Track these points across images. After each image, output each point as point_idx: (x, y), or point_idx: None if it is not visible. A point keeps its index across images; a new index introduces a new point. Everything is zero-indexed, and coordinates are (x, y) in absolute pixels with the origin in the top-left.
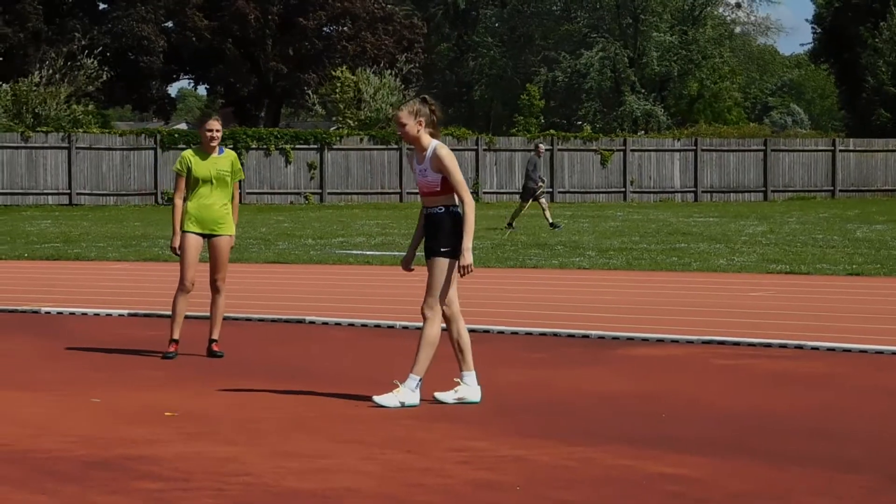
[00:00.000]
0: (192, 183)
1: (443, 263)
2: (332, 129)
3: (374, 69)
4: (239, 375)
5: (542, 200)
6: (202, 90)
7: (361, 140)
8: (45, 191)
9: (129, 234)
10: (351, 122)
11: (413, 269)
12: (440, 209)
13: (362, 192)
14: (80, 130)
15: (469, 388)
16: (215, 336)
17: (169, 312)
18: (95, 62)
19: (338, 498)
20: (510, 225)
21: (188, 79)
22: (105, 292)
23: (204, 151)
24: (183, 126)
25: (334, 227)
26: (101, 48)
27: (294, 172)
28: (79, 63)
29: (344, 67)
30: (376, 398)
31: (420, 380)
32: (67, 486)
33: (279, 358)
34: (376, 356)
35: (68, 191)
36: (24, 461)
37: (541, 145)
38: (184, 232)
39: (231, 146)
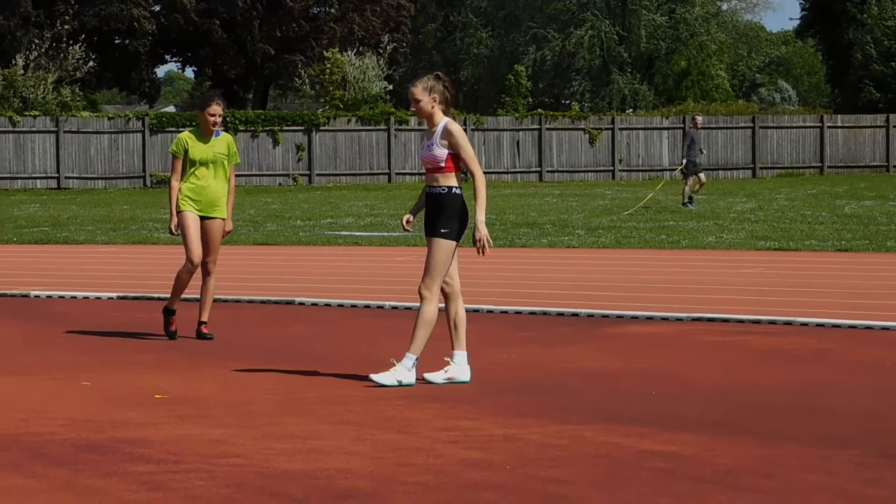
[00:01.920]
0: (189, 165)
1: (442, 244)
2: (319, 110)
3: (357, 50)
4: (229, 357)
5: (701, 175)
6: (190, 73)
7: (349, 121)
8: (34, 175)
9: (117, 218)
10: (339, 103)
11: (411, 223)
12: (442, 189)
13: (350, 174)
14: (69, 114)
15: (459, 368)
16: (205, 318)
17: (162, 295)
18: (81, 49)
19: (329, 478)
20: (688, 203)
21: (176, 61)
22: (94, 275)
23: (202, 134)
24: (171, 109)
25: (323, 209)
26: (84, 34)
27: (282, 154)
28: (64, 48)
29: (336, 49)
30: (374, 377)
31: (417, 359)
32: (58, 469)
33: (269, 340)
34: (367, 336)
35: (56, 174)
36: (14, 445)
37: (698, 118)
38: (181, 211)
39: (220, 128)
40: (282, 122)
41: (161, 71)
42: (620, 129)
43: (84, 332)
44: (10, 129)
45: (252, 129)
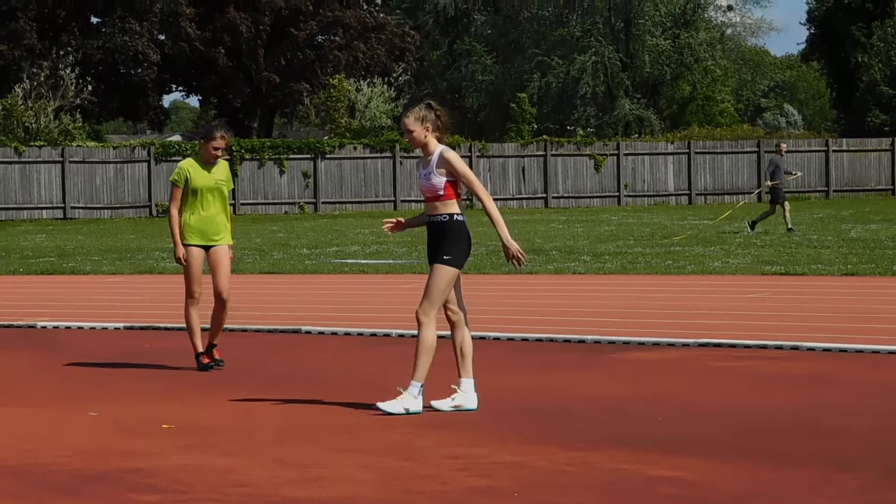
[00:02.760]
0: (190, 194)
1: (444, 271)
2: (325, 138)
3: (366, 79)
4: (236, 386)
5: (786, 204)
6: (195, 101)
7: (355, 148)
8: (40, 205)
9: (123, 247)
10: (346, 131)
11: (394, 227)
12: (444, 217)
13: (357, 201)
14: (74, 144)
15: (466, 396)
16: (215, 341)
17: (169, 325)
18: (74, 75)
19: None
20: (792, 228)
21: (181, 90)
22: (101, 305)
23: (204, 162)
24: (177, 137)
25: (329, 237)
26: (75, 63)
27: (288, 182)
28: (60, 76)
29: (341, 76)
30: (381, 405)
31: (422, 385)
32: (66, 499)
33: (276, 368)
34: (373, 364)
35: (62, 205)
36: (22, 475)
37: (782, 144)
38: (186, 245)
39: (227, 158)
40: (288, 150)
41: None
42: (626, 154)
43: (91, 363)
44: (16, 159)
45: (258, 157)
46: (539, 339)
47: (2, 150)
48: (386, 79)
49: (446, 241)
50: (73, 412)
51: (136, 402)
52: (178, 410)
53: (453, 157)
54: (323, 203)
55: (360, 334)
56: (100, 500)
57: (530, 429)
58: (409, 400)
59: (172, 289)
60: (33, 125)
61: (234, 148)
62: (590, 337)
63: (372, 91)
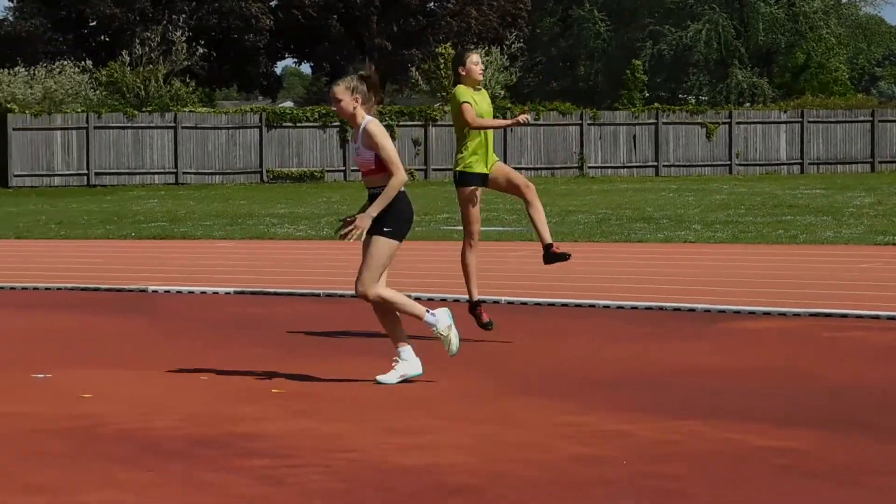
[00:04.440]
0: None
1: (383, 243)
2: (435, 105)
3: (479, 47)
4: (347, 352)
5: None
6: (306, 68)
7: None
8: (152, 170)
9: (234, 212)
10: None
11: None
12: (380, 189)
13: None
14: (186, 109)
15: (408, 363)
16: (549, 240)
17: (278, 290)
18: (184, 38)
19: (444, 473)
20: None
21: (292, 57)
22: (212, 270)
23: (471, 87)
24: (289, 104)
25: (439, 203)
26: (188, 28)
27: (399, 149)
28: (171, 40)
29: (448, 45)
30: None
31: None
32: (174, 463)
33: (380, 335)
34: (481, 332)
35: (174, 170)
36: (132, 439)
37: None
38: (469, 180)
39: (337, 124)
40: (399, 116)
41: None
42: (738, 122)
43: (201, 327)
44: (129, 124)
45: None
46: (649, 308)
47: (114, 115)
48: (499, 46)
49: (385, 213)
50: (183, 376)
51: (246, 366)
52: (288, 376)
53: (374, 128)
54: (433, 170)
55: (467, 301)
56: (207, 464)
57: (637, 397)
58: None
59: (282, 254)
60: (142, 91)
61: None
62: (700, 306)
63: (488, 58)
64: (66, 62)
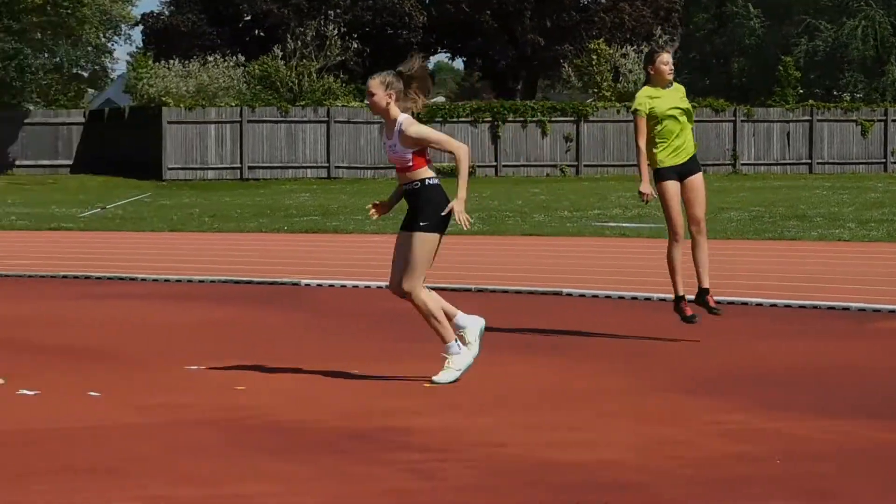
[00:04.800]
0: (650, 122)
1: (423, 238)
2: (588, 101)
3: (632, 43)
4: (494, 347)
5: None
6: (459, 63)
7: (618, 112)
8: (304, 164)
9: None
10: (607, 93)
11: (375, 208)
12: (416, 184)
13: (618, 164)
14: (339, 104)
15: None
16: (706, 284)
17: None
18: (338, 34)
19: (595, 469)
20: None
21: (445, 52)
22: (364, 264)
23: (659, 86)
24: (440, 99)
25: (590, 200)
26: (342, 24)
27: (550, 144)
28: (325, 35)
29: (601, 41)
30: (435, 378)
31: (456, 342)
32: (324, 456)
33: (535, 330)
34: (634, 329)
35: (327, 164)
36: (283, 431)
37: None
38: (663, 180)
39: (489, 119)
40: (551, 112)
41: (430, 62)
42: (893, 120)
43: (354, 321)
44: (282, 118)
45: (521, 118)
46: (802, 307)
47: (268, 109)
48: (649, 42)
49: (422, 208)
50: (336, 370)
51: (398, 361)
52: (439, 370)
53: (413, 130)
54: (585, 166)
55: (620, 297)
56: (358, 457)
57: (790, 396)
58: (457, 360)
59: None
60: (296, 86)
61: (497, 109)
62: (854, 305)
63: (639, 56)
64: (218, 56)
